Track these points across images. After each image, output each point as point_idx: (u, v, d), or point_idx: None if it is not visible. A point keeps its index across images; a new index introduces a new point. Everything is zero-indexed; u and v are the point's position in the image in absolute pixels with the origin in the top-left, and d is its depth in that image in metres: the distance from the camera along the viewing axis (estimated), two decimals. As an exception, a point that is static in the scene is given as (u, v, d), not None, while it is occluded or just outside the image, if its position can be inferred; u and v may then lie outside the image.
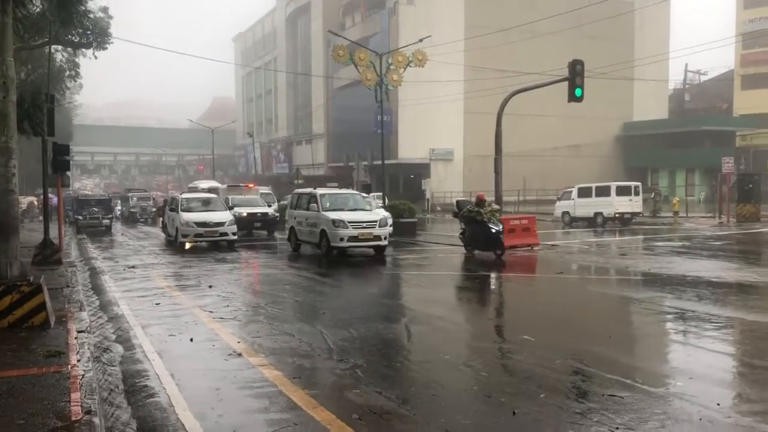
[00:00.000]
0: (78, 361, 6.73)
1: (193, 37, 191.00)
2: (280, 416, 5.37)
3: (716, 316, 9.34)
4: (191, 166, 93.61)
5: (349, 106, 54.92)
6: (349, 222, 17.35)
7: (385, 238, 17.94)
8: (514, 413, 5.35)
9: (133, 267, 16.49)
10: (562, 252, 19.25)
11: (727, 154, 35.91)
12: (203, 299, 11.47)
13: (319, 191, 19.42)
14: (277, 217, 27.64)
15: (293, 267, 16.63)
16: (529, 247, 19.11)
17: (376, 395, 5.90)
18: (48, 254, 16.42)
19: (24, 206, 39.55)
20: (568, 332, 8.92)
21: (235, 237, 21.69)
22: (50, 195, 21.44)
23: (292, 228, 20.14)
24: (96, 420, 4.97)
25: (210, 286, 12.93)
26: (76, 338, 7.80)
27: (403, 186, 49.86)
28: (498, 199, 21.00)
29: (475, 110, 48.24)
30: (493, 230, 17.20)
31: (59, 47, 26.74)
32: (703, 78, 67.73)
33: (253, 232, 27.08)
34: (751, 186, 30.10)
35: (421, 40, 29.61)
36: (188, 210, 22.28)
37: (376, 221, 17.91)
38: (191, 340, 8.17)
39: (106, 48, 25.75)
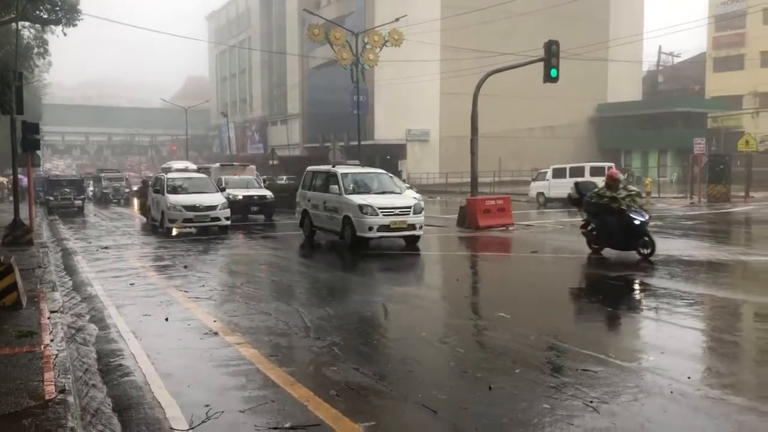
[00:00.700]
0: (51, 341, 6.65)
1: (165, 15, 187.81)
2: (257, 393, 5.37)
3: (687, 293, 9.50)
4: (164, 147, 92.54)
5: (324, 86, 54.55)
6: (380, 208, 14.66)
7: (421, 227, 15.33)
8: (489, 388, 5.41)
9: (106, 248, 16.29)
10: (537, 232, 19.42)
11: (699, 135, 36.34)
12: (178, 279, 11.38)
13: (340, 170, 16.43)
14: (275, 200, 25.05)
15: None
16: (505, 227, 19.25)
17: (353, 372, 5.92)
18: (19, 235, 16.13)
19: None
20: (542, 309, 9.03)
21: (229, 222, 19.49)
22: (20, 176, 21.04)
23: (305, 212, 17.30)
24: (70, 399, 4.93)
25: (185, 267, 12.83)
26: (48, 318, 7.71)
27: (379, 167, 49.80)
28: (474, 180, 21.07)
29: (452, 91, 48.22)
30: (637, 221, 12.62)
31: (27, 24, 26.13)
32: (677, 60, 68.41)
33: (248, 216, 24.20)
34: (721, 167, 30.54)
35: (397, 20, 29.46)
36: (175, 192, 19.88)
37: (409, 207, 15.18)
38: (166, 319, 8.11)
39: (76, 25, 25.25)
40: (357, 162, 20.27)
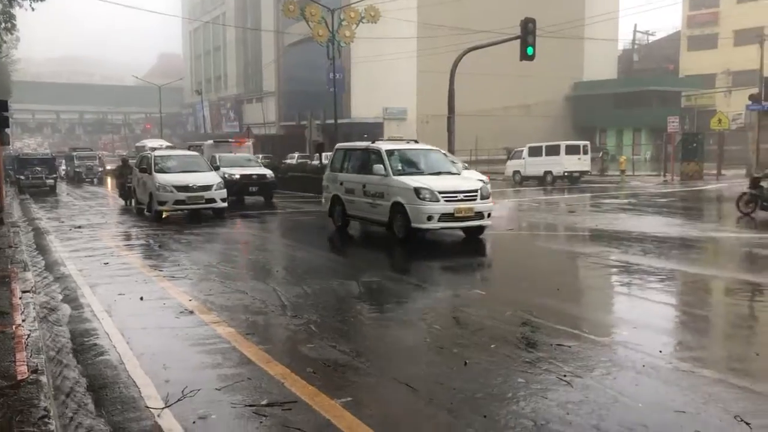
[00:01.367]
0: (23, 320, 6.55)
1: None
2: (233, 371, 5.36)
3: (659, 269, 9.65)
4: (138, 125, 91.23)
5: (300, 63, 53.98)
6: (441, 192, 11.95)
7: (489, 216, 12.57)
8: (465, 363, 5.46)
9: (79, 227, 16.06)
10: (513, 210, 19.54)
11: (673, 114, 36.74)
12: (153, 259, 11.28)
13: (384, 146, 13.64)
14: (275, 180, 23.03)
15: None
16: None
17: (330, 349, 5.93)
18: (-12, 215, 15.85)
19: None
20: (517, 286, 9.12)
21: (225, 204, 17.63)
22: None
23: (336, 198, 14.51)
24: (43, 379, 4.87)
25: (159, 246, 12.71)
26: (20, 298, 7.59)
27: (355, 145, 49.63)
28: (450, 158, 21.09)
29: (429, 69, 48.00)
30: None
31: (-7, -3, 25.39)
32: (652, 39, 68.80)
33: (244, 198, 22.15)
34: (694, 145, 30.95)
35: (373, -4, 29.16)
36: (164, 170, 17.80)
37: (476, 191, 12.33)
38: (141, 298, 8.04)
39: (44, -1, 24.53)
40: (401, 137, 17.62)
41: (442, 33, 46.21)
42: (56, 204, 24.64)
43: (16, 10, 28.21)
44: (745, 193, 16.10)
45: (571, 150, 30.59)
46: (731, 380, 5.06)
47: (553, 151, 30.58)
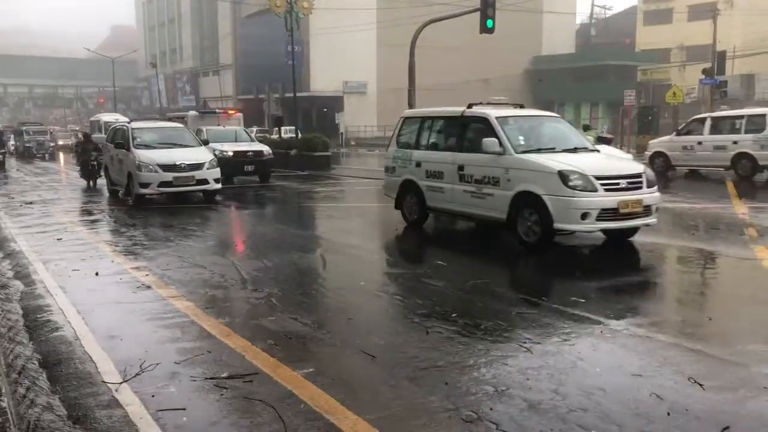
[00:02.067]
0: (-28, 298, 6.35)
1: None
2: (192, 345, 5.28)
3: (616, 239, 9.81)
4: (91, 99, 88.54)
5: (258, 35, 53.00)
6: (598, 178, 8.45)
7: (657, 210, 9.12)
8: (427, 332, 5.48)
9: (30, 203, 15.58)
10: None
11: (629, 88, 37.27)
12: (108, 234, 11.03)
13: (495, 113, 9.83)
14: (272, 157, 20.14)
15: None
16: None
17: (291, 321, 5.89)
18: (-67, 191, 15.25)
19: None
20: (479, 256, 9.20)
21: (219, 186, 15.05)
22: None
23: (408, 184, 10.99)
24: (-6, 356, 4.73)
25: (115, 221, 12.43)
26: (-32, 275, 7.34)
27: (316, 119, 49.22)
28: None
29: (389, 42, 47.67)
30: None
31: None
32: (609, 13, 69.48)
33: (233, 179, 18.95)
34: (650, 118, 31.45)
35: (332, -33, 28.67)
36: (146, 146, 15.09)
37: (641, 176, 8.86)
38: (96, 274, 7.85)
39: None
40: (503, 98, 12.90)
41: (402, 5, 45.86)
42: (5, 180, 23.84)
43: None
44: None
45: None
46: (685, 344, 5.19)
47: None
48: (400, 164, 11.28)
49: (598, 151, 10.00)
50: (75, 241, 10.26)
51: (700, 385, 4.31)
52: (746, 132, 18.42)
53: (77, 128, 50.78)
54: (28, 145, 40.16)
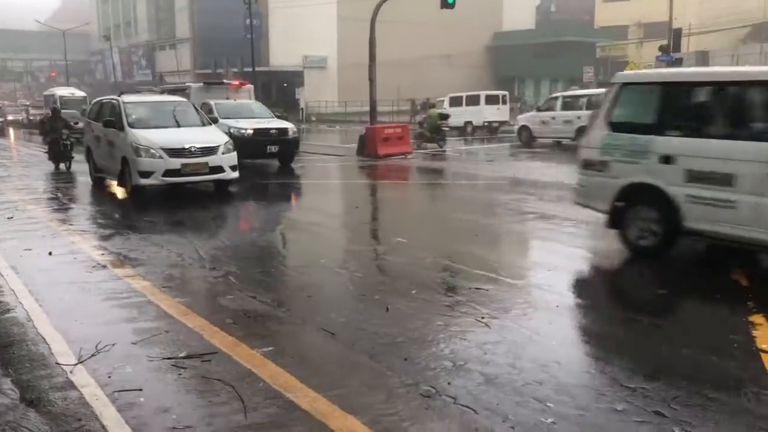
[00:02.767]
0: None
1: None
2: (149, 325, 5.21)
3: (574, 215, 9.97)
4: (42, 73, 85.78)
5: (215, 8, 51.87)
6: None
7: None
8: (387, 309, 5.51)
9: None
10: (434, 159, 19.71)
11: (588, 64, 37.68)
12: (62, 212, 10.76)
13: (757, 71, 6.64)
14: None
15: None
16: (403, 155, 19.39)
17: (250, 300, 5.86)
18: None
19: None
20: (438, 233, 9.25)
21: (236, 175, 12.30)
22: None
23: (642, 189, 7.11)
24: (-58, 339, 4.60)
25: (69, 199, 12.13)
26: None
27: (276, 95, 48.51)
28: (372, 108, 20.96)
29: (349, 16, 47.15)
30: None
31: None
32: (569, -11, 69.76)
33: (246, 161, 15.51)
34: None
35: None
36: (143, 125, 12.30)
37: None
38: (50, 253, 7.66)
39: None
40: None
41: (363, -21, 45.36)
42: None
43: None
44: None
45: (491, 100, 30.99)
46: (636, 317, 5.32)
47: (473, 101, 30.86)
48: (621, 157, 7.26)
49: None
50: (27, 220, 9.99)
51: (651, 356, 4.43)
52: (587, 108, 20.92)
53: (28, 103, 49.12)
54: (-26, 120, 38.78)
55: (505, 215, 10.53)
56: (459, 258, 7.32)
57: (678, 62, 32.16)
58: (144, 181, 11.58)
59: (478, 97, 31.02)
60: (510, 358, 4.47)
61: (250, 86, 20.49)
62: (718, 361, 4.37)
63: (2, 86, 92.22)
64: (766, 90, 6.35)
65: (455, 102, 31.45)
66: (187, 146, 11.67)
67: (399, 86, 45.52)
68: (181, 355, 4.57)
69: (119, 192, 12.51)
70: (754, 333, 4.82)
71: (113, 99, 13.53)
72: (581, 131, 19.88)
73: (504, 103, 31.24)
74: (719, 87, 6.79)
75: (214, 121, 14.69)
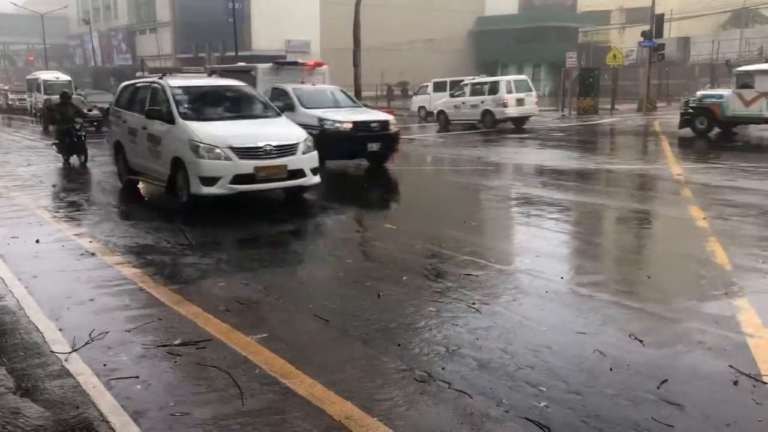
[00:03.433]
0: None
1: None
2: (142, 312, 5.22)
3: (558, 200, 10.08)
4: (20, 57, 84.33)
5: (197, -9, 51.27)
6: None
7: None
8: (378, 295, 5.56)
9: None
10: (419, 145, 19.73)
11: (571, 49, 37.72)
12: (48, 200, 10.67)
13: None
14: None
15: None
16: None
17: (242, 287, 5.88)
18: None
19: None
20: (426, 219, 9.30)
21: (317, 180, 9.89)
22: None
23: None
24: (-66, 328, 4.57)
25: (54, 186, 12.02)
26: None
27: (259, 79, 48.12)
28: (357, 93, 20.90)
29: (332, 0, 46.83)
30: None
31: None
32: (552, -26, 69.71)
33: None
34: (591, 80, 32.00)
35: None
36: (199, 116, 9.78)
37: None
38: (37, 241, 7.61)
39: None
40: None
41: (346, -37, 45.00)
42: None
43: None
44: None
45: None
46: (626, 302, 5.42)
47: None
48: None
49: None
50: (12, 207, 9.90)
51: (641, 341, 4.53)
52: (489, 94, 24.13)
53: (6, 87, 48.30)
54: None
55: (492, 200, 10.60)
56: (448, 244, 7.37)
57: (660, 47, 32.32)
58: (207, 190, 8.98)
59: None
60: (502, 343, 4.54)
61: (325, 67, 16.79)
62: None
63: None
64: None
65: (439, 87, 31.34)
66: (261, 144, 9.15)
67: (383, 71, 45.37)
68: (175, 342, 4.58)
69: (166, 201, 10.08)
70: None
71: (154, 82, 10.77)
72: (485, 114, 24.29)
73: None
74: None
75: (289, 110, 12.55)
